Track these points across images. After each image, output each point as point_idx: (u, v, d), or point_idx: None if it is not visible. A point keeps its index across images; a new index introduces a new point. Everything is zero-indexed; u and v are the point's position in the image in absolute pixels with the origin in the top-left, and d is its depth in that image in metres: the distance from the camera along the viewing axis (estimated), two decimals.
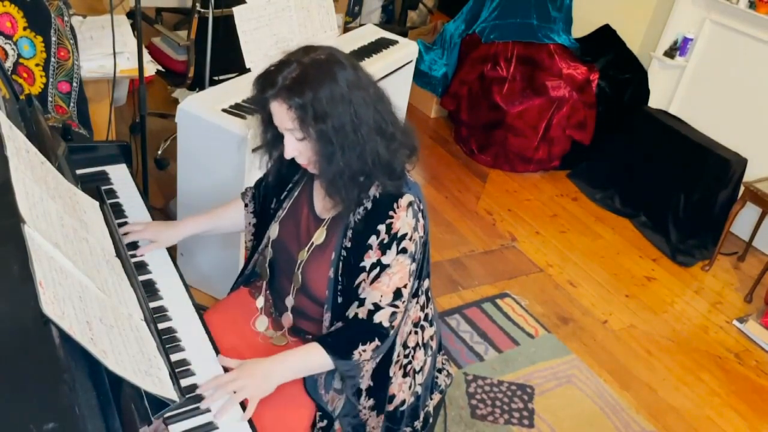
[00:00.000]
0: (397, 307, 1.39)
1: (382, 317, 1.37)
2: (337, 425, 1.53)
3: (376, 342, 1.38)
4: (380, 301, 1.37)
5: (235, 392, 1.30)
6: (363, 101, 1.33)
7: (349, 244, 1.42)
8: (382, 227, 1.38)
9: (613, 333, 2.90)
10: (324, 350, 1.37)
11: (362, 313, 1.38)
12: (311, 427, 1.51)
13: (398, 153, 1.40)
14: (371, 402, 1.54)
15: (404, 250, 1.38)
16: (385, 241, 1.38)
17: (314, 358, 1.38)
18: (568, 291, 3.12)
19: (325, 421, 1.50)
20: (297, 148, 1.36)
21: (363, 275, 1.39)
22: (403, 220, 1.38)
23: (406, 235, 1.38)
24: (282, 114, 1.31)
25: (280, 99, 1.30)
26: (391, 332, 1.40)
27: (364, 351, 1.38)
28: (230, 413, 1.27)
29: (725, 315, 3.15)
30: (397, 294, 1.38)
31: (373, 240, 1.39)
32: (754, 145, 3.53)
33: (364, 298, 1.39)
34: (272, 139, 1.47)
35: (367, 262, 1.39)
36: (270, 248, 1.59)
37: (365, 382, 1.51)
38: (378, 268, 1.38)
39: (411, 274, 1.41)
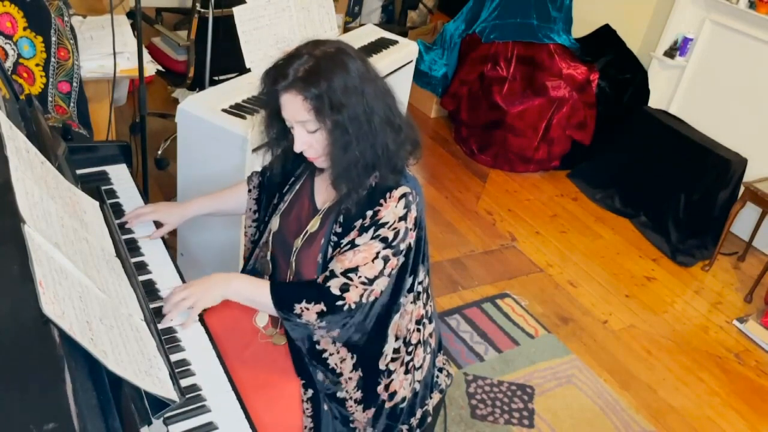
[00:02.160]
0: (350, 279, 1.39)
1: (333, 284, 1.39)
2: (325, 407, 1.53)
3: (322, 306, 1.39)
4: (337, 269, 1.40)
5: (183, 299, 1.42)
6: (374, 93, 1.35)
7: (339, 230, 1.44)
8: (369, 212, 1.40)
9: (613, 333, 2.90)
10: (269, 292, 1.42)
11: (320, 278, 1.42)
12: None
13: (403, 146, 1.42)
14: (359, 394, 1.53)
15: (378, 236, 1.39)
16: (365, 225, 1.40)
17: (260, 294, 1.44)
18: (568, 291, 3.11)
19: (311, 391, 1.52)
20: (307, 141, 1.37)
21: (336, 250, 1.43)
22: (391, 209, 1.40)
23: (386, 223, 1.40)
24: (296, 106, 1.32)
25: (294, 90, 1.31)
26: (339, 302, 1.39)
27: (307, 309, 1.39)
28: (187, 324, 1.45)
29: (725, 315, 3.15)
30: (354, 269, 1.39)
31: (357, 223, 1.41)
32: (754, 145, 3.53)
33: (327, 267, 1.43)
34: (278, 134, 1.48)
35: (344, 241, 1.42)
36: (270, 241, 1.59)
37: (344, 368, 1.51)
38: (349, 246, 1.41)
39: (382, 259, 1.40)
